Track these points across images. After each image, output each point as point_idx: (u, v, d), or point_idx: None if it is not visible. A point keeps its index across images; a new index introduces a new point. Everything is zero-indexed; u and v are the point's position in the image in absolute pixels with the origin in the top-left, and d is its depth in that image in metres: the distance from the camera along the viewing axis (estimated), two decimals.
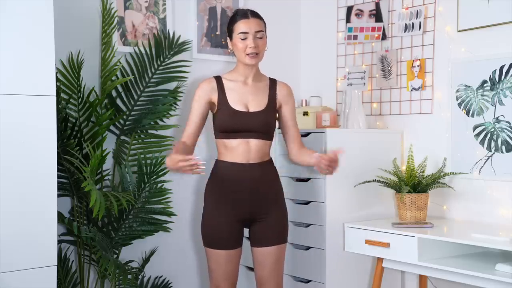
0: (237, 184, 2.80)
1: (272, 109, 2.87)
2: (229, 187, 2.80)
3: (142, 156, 3.26)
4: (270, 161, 2.90)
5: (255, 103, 2.83)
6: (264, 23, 2.83)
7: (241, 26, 2.77)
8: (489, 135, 3.18)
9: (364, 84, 3.72)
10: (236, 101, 2.81)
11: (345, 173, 3.35)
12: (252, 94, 2.84)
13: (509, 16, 3.08)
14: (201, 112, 2.86)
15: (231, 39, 2.82)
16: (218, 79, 2.87)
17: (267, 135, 2.85)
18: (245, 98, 2.83)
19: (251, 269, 3.34)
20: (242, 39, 2.76)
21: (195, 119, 2.85)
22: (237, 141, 2.80)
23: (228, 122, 2.79)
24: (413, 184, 3.24)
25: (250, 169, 2.79)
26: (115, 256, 3.22)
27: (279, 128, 2.97)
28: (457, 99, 3.32)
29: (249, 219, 2.84)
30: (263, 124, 2.81)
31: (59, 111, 2.93)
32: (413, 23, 3.50)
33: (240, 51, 2.78)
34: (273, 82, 2.92)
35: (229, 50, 2.86)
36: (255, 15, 2.81)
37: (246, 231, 2.91)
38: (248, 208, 2.81)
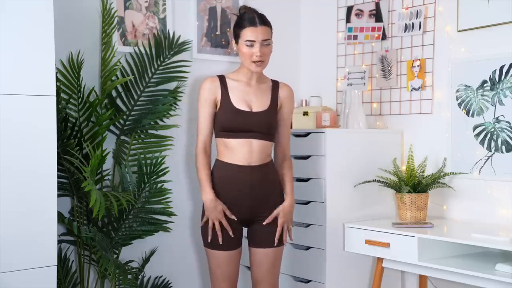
0: (237, 187, 2.79)
1: (274, 110, 2.87)
2: (229, 189, 2.80)
3: (142, 156, 3.27)
4: (271, 163, 2.90)
5: (258, 104, 2.83)
6: (271, 29, 2.80)
7: (248, 33, 2.74)
8: (489, 135, 3.18)
9: (364, 84, 3.72)
10: (239, 100, 2.81)
11: (345, 173, 3.35)
12: (255, 95, 2.84)
13: (509, 16, 3.08)
14: (211, 113, 2.83)
15: (236, 42, 2.81)
16: (222, 78, 2.86)
17: (269, 136, 2.85)
18: (248, 98, 2.82)
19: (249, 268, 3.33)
20: (248, 46, 2.75)
21: (208, 125, 2.83)
22: (238, 141, 2.79)
23: (230, 121, 2.78)
24: (413, 184, 3.24)
25: (251, 172, 2.79)
26: (115, 256, 3.22)
27: None
28: (457, 99, 3.32)
29: (248, 219, 2.84)
30: (265, 124, 2.81)
31: (59, 111, 2.92)
32: (413, 23, 3.49)
33: (246, 57, 2.76)
34: (275, 84, 2.92)
35: (234, 52, 2.85)
36: (263, 22, 2.76)
37: (244, 230, 2.91)
38: (248, 210, 2.81)
